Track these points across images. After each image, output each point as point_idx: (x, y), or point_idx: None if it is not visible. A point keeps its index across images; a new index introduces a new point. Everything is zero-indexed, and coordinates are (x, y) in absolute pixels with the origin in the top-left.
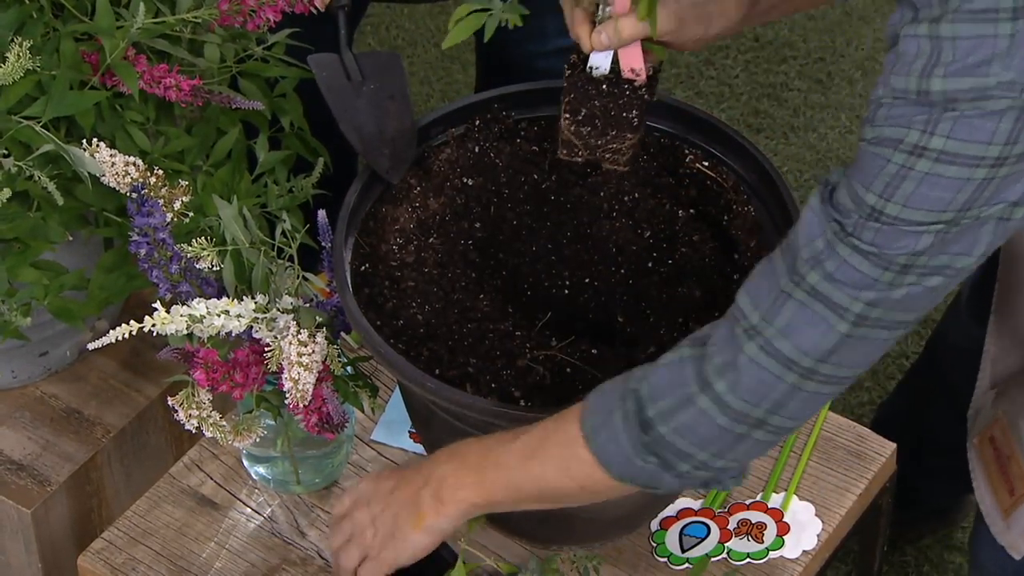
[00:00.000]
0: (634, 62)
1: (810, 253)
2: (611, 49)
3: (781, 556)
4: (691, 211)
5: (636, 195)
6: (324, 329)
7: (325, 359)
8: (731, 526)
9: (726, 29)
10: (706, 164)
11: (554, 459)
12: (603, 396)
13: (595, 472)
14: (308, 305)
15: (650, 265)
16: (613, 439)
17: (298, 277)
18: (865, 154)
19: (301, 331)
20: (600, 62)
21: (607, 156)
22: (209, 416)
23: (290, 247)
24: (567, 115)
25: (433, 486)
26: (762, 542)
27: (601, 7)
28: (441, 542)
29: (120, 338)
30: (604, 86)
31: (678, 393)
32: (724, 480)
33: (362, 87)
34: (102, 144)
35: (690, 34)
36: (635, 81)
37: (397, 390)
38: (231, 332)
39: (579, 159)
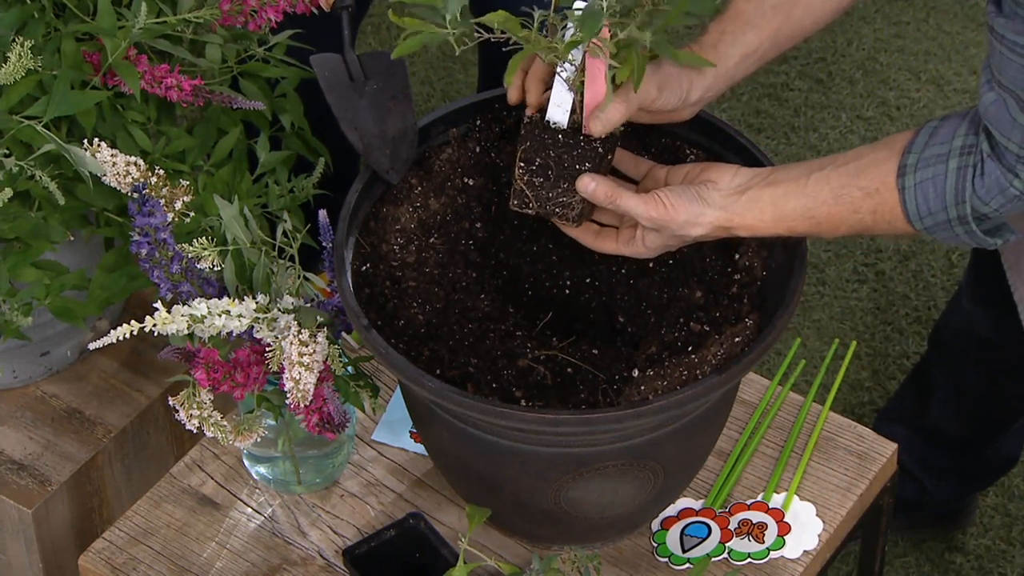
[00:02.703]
0: None
1: None
2: (605, 132)
3: (782, 556)
4: None
5: None
6: (325, 329)
7: (326, 359)
8: (732, 526)
9: (707, 90)
10: None
11: (876, 226)
12: (927, 200)
13: (916, 235)
14: (309, 305)
15: (650, 265)
16: (954, 239)
17: (299, 277)
18: None
19: (302, 331)
20: (558, 117)
21: (556, 210)
22: (210, 416)
23: (291, 247)
24: (521, 164)
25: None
26: (763, 542)
27: (560, 67)
28: None
29: (121, 338)
30: (560, 136)
31: (1005, 194)
32: None
33: (364, 87)
34: (103, 144)
35: (671, 100)
36: (591, 136)
37: (398, 390)
38: (232, 332)
39: (529, 211)
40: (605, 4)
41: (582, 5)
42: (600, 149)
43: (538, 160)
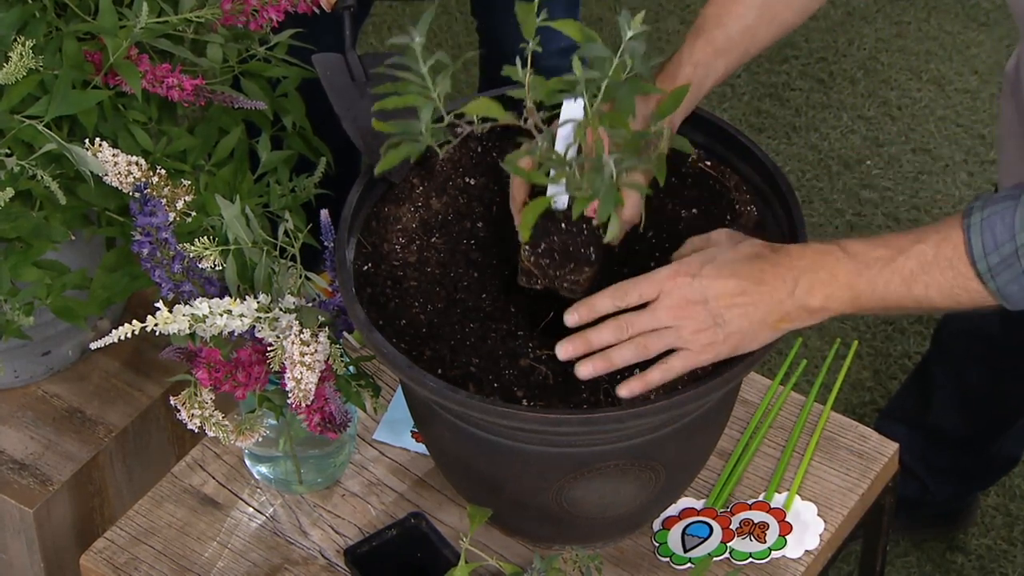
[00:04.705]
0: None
1: None
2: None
3: (784, 556)
4: (694, 211)
5: None
6: (326, 329)
7: (327, 359)
8: (733, 526)
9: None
10: (709, 164)
11: (940, 286)
12: (994, 232)
13: (988, 300)
14: (310, 305)
15: (653, 265)
16: (1018, 280)
17: (300, 277)
18: None
19: (303, 331)
20: (560, 197)
21: (565, 286)
22: (211, 415)
23: (292, 247)
24: (527, 247)
25: (800, 297)
26: (764, 542)
27: (551, 172)
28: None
29: (122, 337)
30: (563, 224)
31: None
32: None
33: (366, 87)
34: (105, 143)
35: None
36: (593, 219)
37: (399, 389)
38: (233, 332)
39: (538, 287)
40: (614, 168)
41: (571, 105)
42: (601, 232)
43: (543, 244)
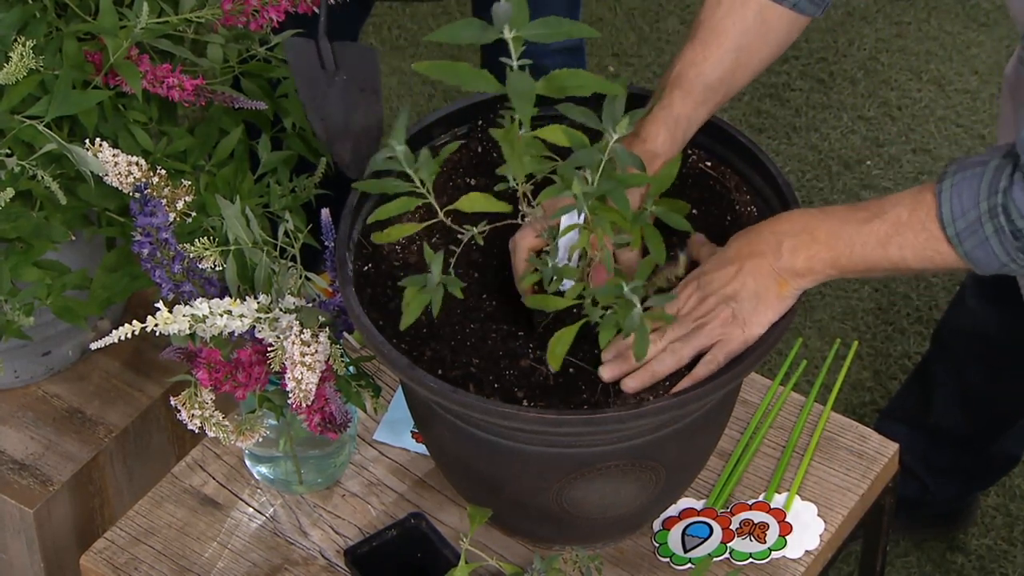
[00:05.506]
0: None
1: None
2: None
3: (784, 556)
4: (694, 211)
5: None
6: (327, 329)
7: (328, 359)
8: (734, 526)
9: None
10: (709, 164)
11: (913, 247)
12: (961, 199)
13: (959, 263)
14: (311, 305)
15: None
16: (982, 246)
17: (301, 277)
18: None
19: (304, 331)
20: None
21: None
22: (212, 416)
23: (293, 247)
24: (538, 320)
25: (786, 259)
26: (764, 542)
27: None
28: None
29: (123, 338)
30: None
31: None
32: None
33: (334, 77)
34: (105, 144)
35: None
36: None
37: (399, 389)
38: (234, 332)
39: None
40: (640, 307)
41: (568, 217)
42: None
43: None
